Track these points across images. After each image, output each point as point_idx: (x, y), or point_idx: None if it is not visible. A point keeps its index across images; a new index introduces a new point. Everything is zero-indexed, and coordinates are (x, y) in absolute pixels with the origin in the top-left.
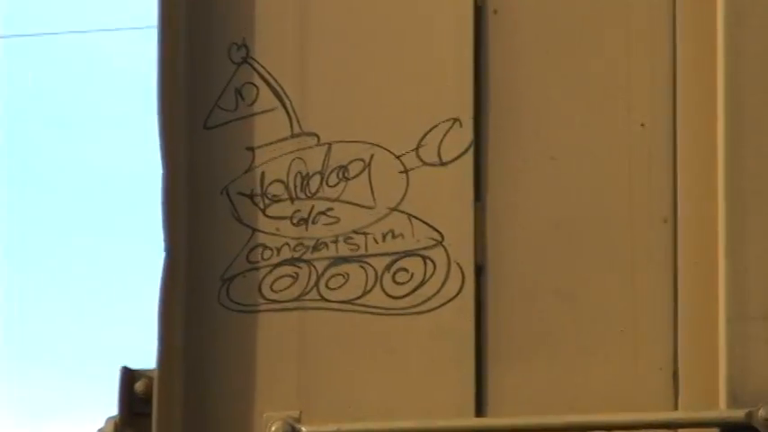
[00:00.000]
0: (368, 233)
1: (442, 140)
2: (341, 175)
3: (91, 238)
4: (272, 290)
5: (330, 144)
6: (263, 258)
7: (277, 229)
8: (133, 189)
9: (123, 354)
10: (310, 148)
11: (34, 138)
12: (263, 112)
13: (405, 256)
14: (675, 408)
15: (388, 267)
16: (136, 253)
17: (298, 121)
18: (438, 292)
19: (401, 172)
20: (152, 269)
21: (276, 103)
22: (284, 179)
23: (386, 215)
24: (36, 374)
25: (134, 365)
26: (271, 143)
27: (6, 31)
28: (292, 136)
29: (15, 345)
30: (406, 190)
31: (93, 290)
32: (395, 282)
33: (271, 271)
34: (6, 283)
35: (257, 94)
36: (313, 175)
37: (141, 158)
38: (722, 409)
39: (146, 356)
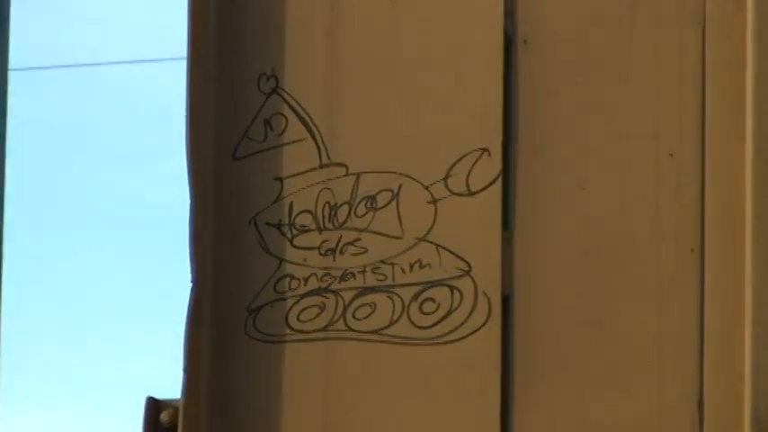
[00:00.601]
0: (395, 263)
1: (470, 170)
2: (369, 206)
3: (114, 265)
4: (298, 320)
5: (359, 174)
6: (290, 288)
7: (305, 260)
8: (162, 218)
9: (149, 384)
10: (339, 178)
11: (64, 167)
12: (291, 143)
13: (432, 286)
14: None
15: (415, 297)
16: (161, 282)
17: (326, 152)
18: (465, 321)
19: (429, 202)
20: (178, 299)
21: (305, 133)
22: (312, 209)
23: (414, 245)
24: (62, 405)
25: (160, 395)
26: (299, 173)
27: (42, 62)
28: (321, 166)
29: (42, 375)
30: (435, 220)
31: (119, 320)
32: (422, 312)
33: (298, 301)
34: (34, 313)
35: (286, 124)
36: (341, 205)
37: (170, 188)
38: None
39: (171, 387)
